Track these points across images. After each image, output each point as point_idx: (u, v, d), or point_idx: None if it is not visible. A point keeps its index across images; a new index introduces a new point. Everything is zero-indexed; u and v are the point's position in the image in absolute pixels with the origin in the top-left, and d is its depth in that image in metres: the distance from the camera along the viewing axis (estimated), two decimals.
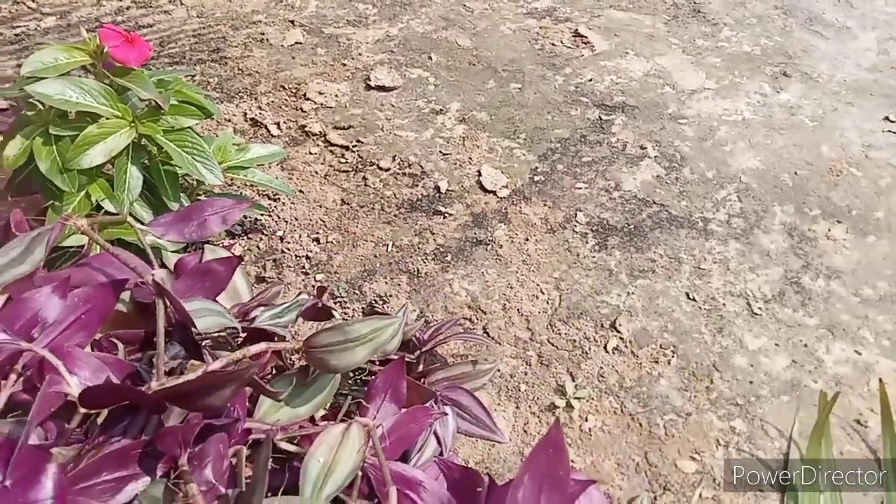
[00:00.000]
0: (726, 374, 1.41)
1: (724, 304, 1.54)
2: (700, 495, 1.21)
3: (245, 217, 1.66)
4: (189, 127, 1.32)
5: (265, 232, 1.65)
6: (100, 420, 0.57)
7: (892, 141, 1.96)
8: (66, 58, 1.20)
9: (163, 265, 1.05)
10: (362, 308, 1.50)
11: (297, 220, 1.68)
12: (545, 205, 1.75)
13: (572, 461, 1.25)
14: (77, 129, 1.18)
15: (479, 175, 1.81)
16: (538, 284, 1.56)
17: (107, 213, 1.28)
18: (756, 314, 1.52)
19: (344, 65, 2.15)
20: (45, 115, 1.22)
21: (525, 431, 1.32)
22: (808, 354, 1.45)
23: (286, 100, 2.02)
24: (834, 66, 2.26)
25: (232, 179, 1.72)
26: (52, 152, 1.19)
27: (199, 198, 1.51)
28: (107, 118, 1.21)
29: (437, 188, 1.78)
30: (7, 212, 1.17)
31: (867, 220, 1.74)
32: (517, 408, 1.35)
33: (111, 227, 1.27)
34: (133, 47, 1.24)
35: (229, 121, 1.94)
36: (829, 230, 1.71)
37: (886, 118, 2.04)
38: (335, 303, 1.51)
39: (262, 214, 1.66)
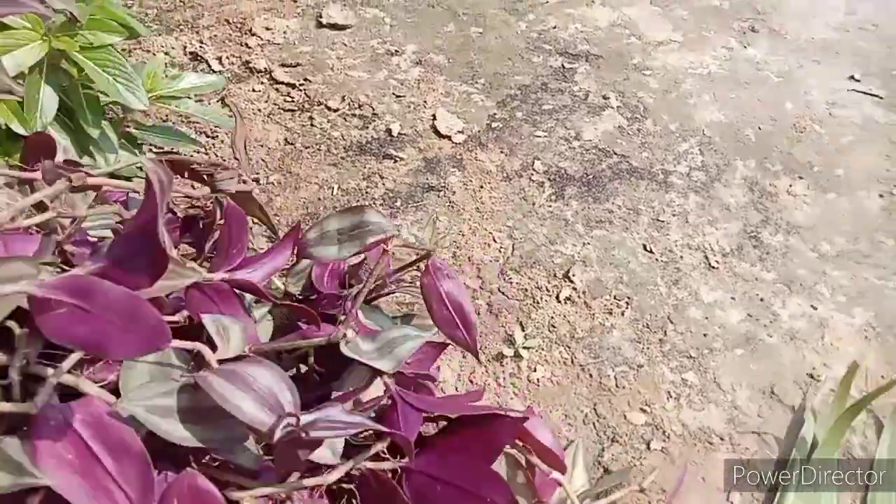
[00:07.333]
0: (680, 326, 1.36)
1: (681, 257, 1.49)
2: (649, 446, 1.16)
3: (179, 154, 1.54)
4: (110, 45, 1.20)
5: None
6: None
7: (856, 99, 1.92)
8: None
9: None
10: None
11: (236, 159, 1.56)
12: (502, 152, 1.67)
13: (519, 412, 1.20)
14: None
15: (434, 119, 1.72)
16: (491, 232, 1.49)
17: (15, 137, 1.16)
18: (713, 267, 1.47)
19: (294, 0, 2.02)
20: None
21: (471, 382, 1.26)
22: (763, 308, 1.41)
23: (230, 35, 1.88)
24: (802, 23, 2.20)
25: (167, 115, 1.60)
26: None
27: (128, 128, 1.39)
28: (16, 28, 1.09)
29: (389, 131, 1.68)
30: None
31: (828, 176, 1.70)
32: (463, 357, 1.29)
33: None
34: None
35: (167, 54, 1.80)
36: (790, 186, 1.67)
37: (851, 77, 1.99)
38: None
39: (196, 151, 1.54)
